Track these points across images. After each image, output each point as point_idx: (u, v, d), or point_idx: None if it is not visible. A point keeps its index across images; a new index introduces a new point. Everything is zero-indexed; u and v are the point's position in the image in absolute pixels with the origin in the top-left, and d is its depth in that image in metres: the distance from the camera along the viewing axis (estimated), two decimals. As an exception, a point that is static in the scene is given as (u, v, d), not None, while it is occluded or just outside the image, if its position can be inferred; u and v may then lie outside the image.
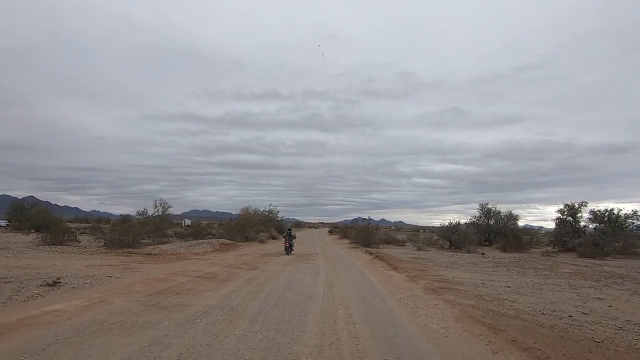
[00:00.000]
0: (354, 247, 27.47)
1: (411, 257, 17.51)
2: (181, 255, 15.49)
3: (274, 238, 39.95)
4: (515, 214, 34.90)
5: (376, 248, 25.87)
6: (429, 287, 9.06)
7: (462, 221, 31.72)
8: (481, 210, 36.42)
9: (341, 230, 49.79)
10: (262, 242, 31.53)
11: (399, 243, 32.32)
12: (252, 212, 54.06)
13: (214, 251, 17.81)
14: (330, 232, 64.91)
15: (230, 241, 22.73)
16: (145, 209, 23.01)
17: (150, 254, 15.30)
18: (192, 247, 18.33)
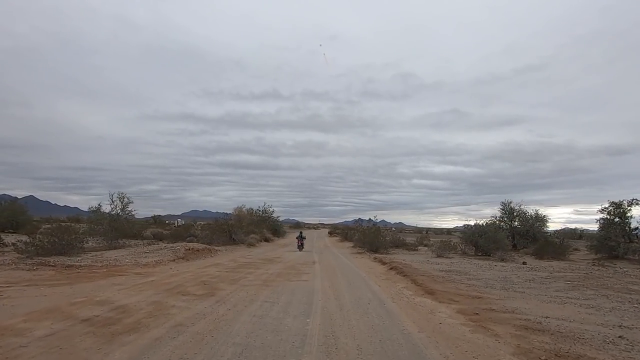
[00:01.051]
0: (358, 253, 22.94)
1: (438, 269, 12.99)
2: (118, 267, 10.93)
3: (266, 240, 35.39)
4: (543, 215, 30.42)
5: (385, 254, 21.36)
6: (530, 350, 4.52)
7: (471, 223, 27.26)
8: (503, 210, 31.91)
9: (342, 231, 45.21)
10: (250, 245, 27.01)
11: (410, 247, 27.78)
12: (245, 211, 49.92)
13: (173, 260, 13.26)
14: (330, 233, 60.29)
15: (205, 245, 18.18)
16: (99, 205, 18.46)
17: (73, 265, 10.73)
18: (147, 255, 13.81)
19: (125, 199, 18.45)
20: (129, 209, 18.53)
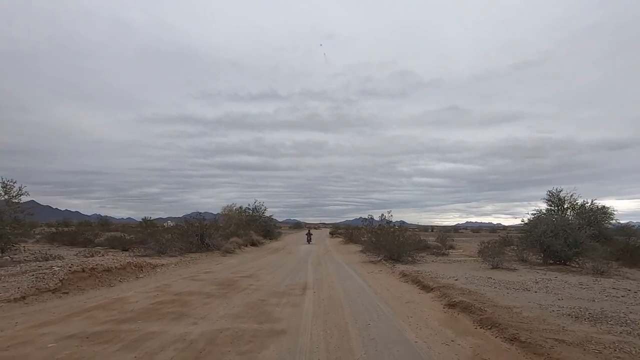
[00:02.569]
0: (371, 262, 16.33)
1: (550, 307, 6.41)
2: None
3: (253, 244, 28.72)
4: (606, 206, 23.66)
5: (412, 263, 14.77)
6: None
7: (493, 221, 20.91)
8: (551, 202, 25.13)
9: (346, 232, 38.48)
10: (227, 252, 20.42)
11: (437, 251, 21.14)
12: (236, 210, 43.56)
13: (20, 299, 6.62)
14: (331, 234, 53.58)
15: (135, 259, 11.47)
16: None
17: None
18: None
19: (16, 189, 11.77)
20: (17, 202, 11.83)
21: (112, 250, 21.23)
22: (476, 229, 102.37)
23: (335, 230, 55.69)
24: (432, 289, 8.57)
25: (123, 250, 19.98)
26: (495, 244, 15.19)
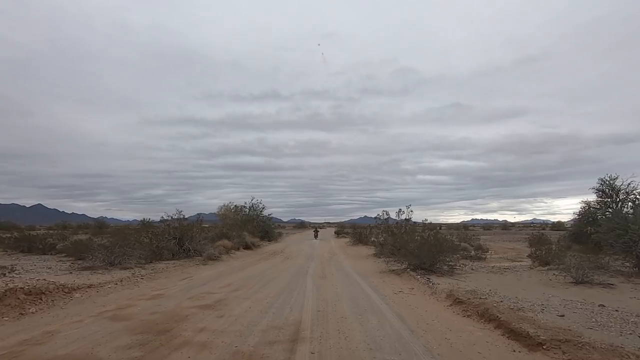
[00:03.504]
0: (393, 272, 12.17)
1: None
2: None
3: (247, 248, 24.67)
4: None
5: (450, 276, 10.62)
6: None
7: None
8: (603, 192, 20.72)
9: (355, 231, 34.16)
10: (210, 259, 16.38)
11: (468, 254, 16.93)
12: (232, 209, 39.71)
13: None
14: (337, 233, 49.32)
15: (25, 283, 7.43)
16: None
17: None
18: None
19: None
20: None
21: (69, 259, 17.27)
22: (487, 226, 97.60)
23: (341, 229, 51.41)
24: (541, 343, 4.40)
25: (78, 259, 16.00)
26: (557, 247, 10.98)
